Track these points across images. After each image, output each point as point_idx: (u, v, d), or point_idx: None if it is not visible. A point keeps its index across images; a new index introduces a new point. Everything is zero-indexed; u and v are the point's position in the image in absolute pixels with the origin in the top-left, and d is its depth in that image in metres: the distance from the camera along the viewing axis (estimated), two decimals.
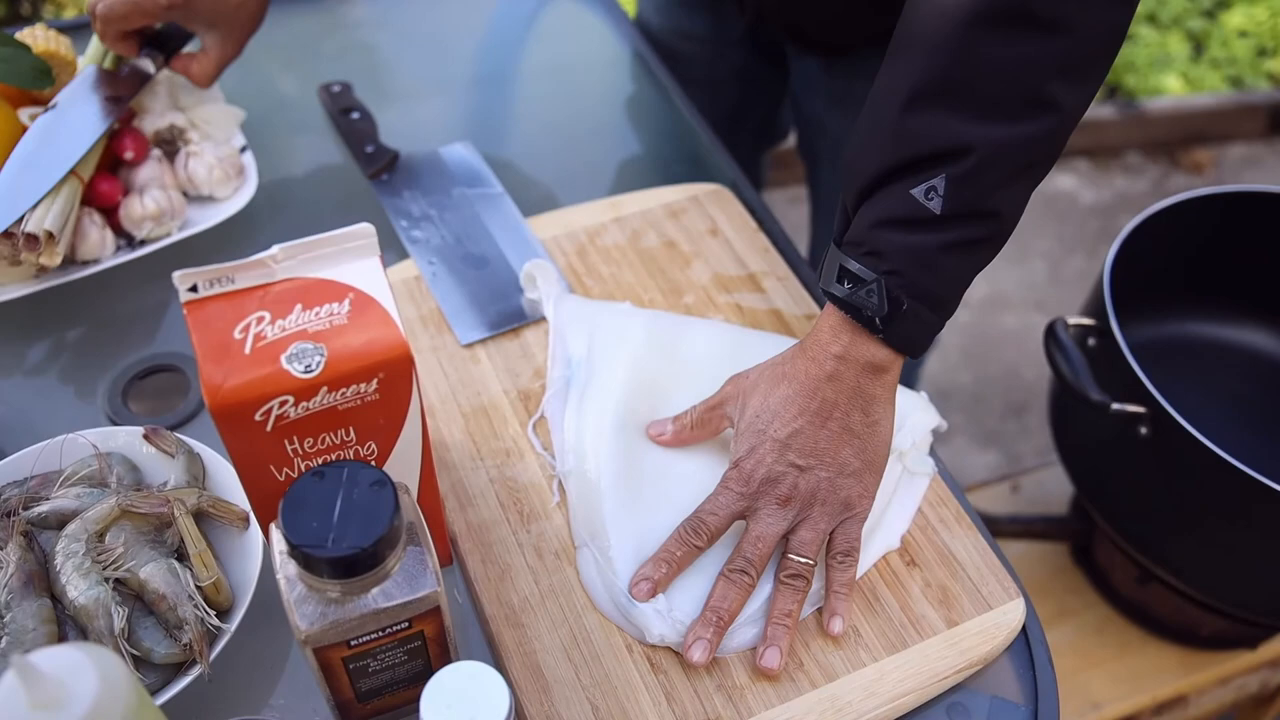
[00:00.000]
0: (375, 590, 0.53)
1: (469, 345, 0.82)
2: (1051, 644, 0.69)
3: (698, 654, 0.64)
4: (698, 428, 0.73)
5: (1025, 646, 0.68)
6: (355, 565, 0.51)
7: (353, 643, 0.54)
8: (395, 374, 0.55)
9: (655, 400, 0.76)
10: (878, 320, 0.64)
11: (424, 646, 0.56)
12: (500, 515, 0.72)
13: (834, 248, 0.67)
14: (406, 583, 0.53)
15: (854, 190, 0.65)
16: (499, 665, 0.66)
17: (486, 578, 0.69)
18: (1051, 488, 1.43)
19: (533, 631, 0.66)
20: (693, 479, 0.72)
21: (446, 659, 0.58)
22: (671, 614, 0.66)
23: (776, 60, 1.17)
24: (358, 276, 0.56)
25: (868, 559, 0.70)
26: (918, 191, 0.61)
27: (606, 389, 0.76)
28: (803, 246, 1.72)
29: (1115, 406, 0.97)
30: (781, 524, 0.67)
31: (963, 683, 0.66)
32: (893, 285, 0.63)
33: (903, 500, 0.73)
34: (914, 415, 0.76)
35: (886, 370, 0.67)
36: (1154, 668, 1.25)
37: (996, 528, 0.73)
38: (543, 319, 0.83)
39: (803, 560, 0.66)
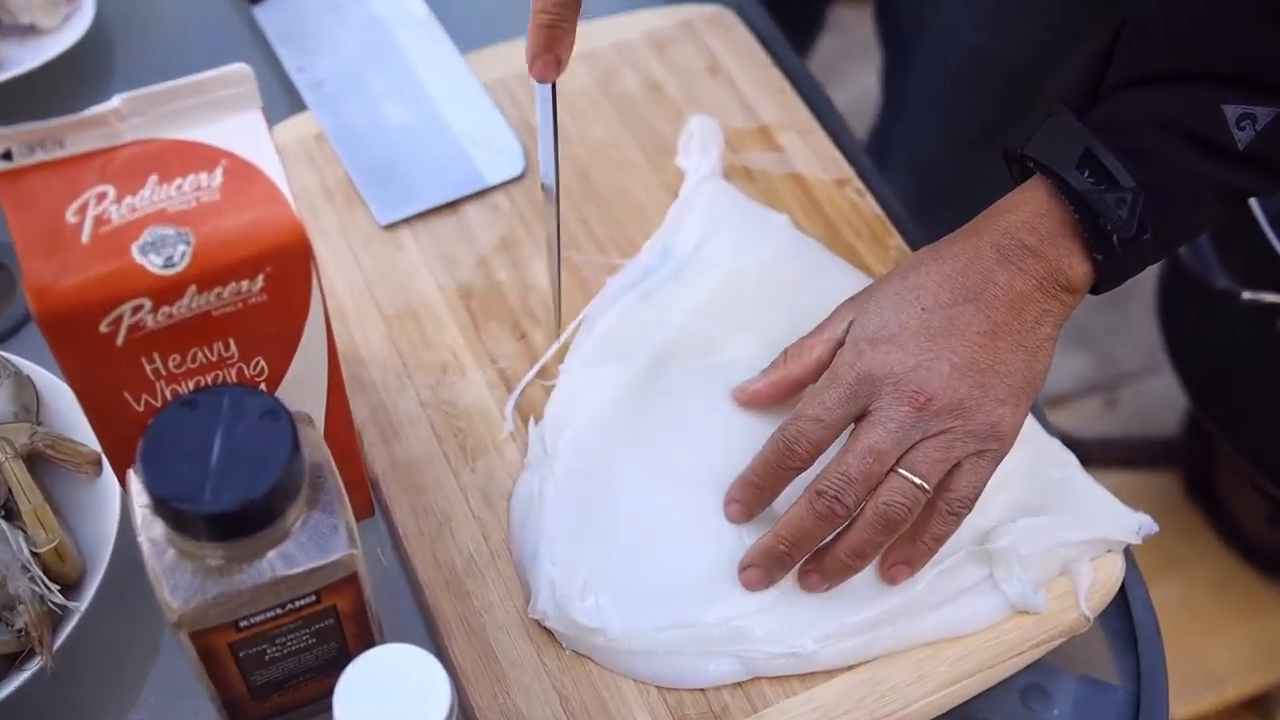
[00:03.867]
0: (271, 554, 0.52)
1: (390, 226, 0.81)
2: (1157, 603, 0.70)
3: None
4: (794, 360, 0.68)
5: (1124, 610, 0.69)
6: (242, 523, 0.50)
7: (243, 624, 0.53)
8: (288, 266, 0.54)
9: (714, 341, 0.74)
10: (1115, 238, 0.62)
11: (337, 626, 0.56)
12: (436, 449, 0.72)
13: (1072, 117, 0.64)
14: (312, 544, 0.52)
15: (1142, 67, 0.64)
16: (438, 646, 0.66)
17: (420, 532, 0.69)
18: (1158, 401, 1.44)
19: (481, 601, 0.67)
20: (715, 443, 0.70)
21: (368, 641, 0.58)
22: (588, 602, 0.64)
23: None
24: (233, 137, 0.55)
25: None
26: (1231, 111, 0.61)
27: (678, 300, 0.75)
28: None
29: (1247, 295, 0.96)
30: (911, 434, 0.61)
31: (1042, 659, 0.67)
32: (1146, 205, 0.62)
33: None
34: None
35: (1074, 293, 0.65)
36: None
37: (1086, 453, 0.73)
38: (490, 189, 0.82)
39: (916, 482, 0.61)
